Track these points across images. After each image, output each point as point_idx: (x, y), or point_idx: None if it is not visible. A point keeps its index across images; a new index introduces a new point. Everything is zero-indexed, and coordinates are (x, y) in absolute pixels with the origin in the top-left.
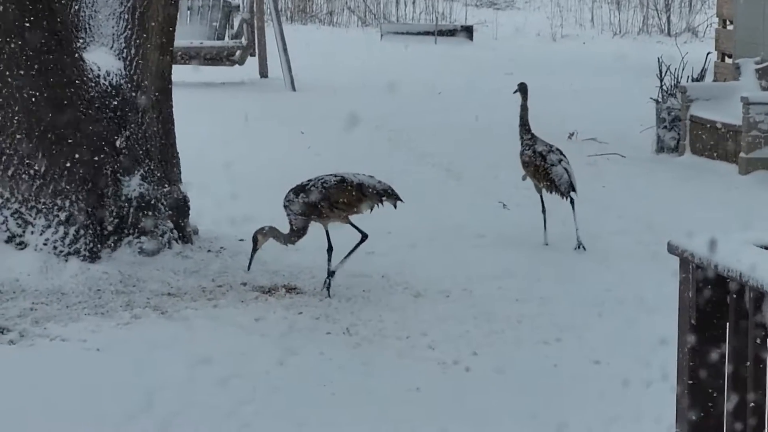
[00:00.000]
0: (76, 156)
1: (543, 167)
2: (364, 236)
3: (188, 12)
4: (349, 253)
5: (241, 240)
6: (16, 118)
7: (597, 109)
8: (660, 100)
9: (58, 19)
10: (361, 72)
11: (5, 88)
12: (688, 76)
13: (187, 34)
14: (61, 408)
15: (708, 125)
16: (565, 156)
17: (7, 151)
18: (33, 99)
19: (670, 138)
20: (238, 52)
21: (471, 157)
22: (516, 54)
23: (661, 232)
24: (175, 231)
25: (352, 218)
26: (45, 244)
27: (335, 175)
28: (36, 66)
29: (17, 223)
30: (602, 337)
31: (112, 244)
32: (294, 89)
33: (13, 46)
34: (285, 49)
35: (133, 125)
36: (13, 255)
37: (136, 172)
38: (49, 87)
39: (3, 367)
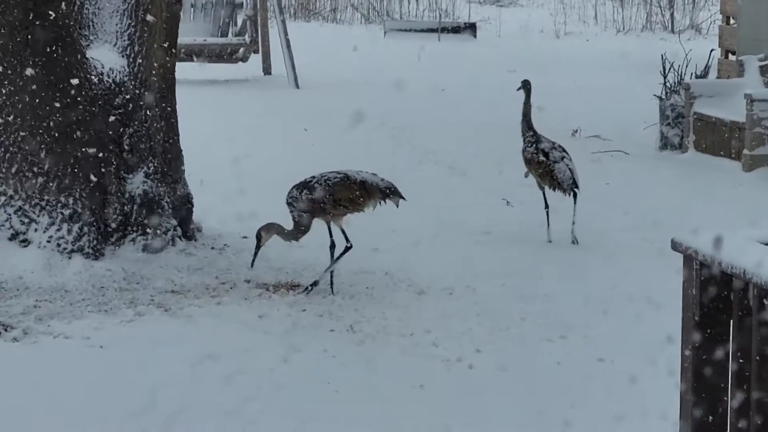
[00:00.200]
0: (80, 153)
1: (546, 164)
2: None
3: (192, 9)
4: (334, 262)
5: (245, 237)
6: (20, 115)
7: (600, 106)
8: (663, 97)
9: (62, 17)
10: (364, 69)
11: (9, 86)
12: (692, 73)
13: (190, 32)
14: (65, 405)
15: (712, 122)
16: (567, 153)
17: (11, 148)
18: (37, 97)
19: (673, 135)
20: (241, 50)
21: (474, 154)
22: (519, 51)
23: (665, 229)
24: (178, 228)
25: (352, 218)
26: (49, 242)
27: (339, 173)
28: (40, 64)
29: (21, 221)
30: (607, 334)
31: (116, 242)
32: (297, 86)
33: (17, 43)
34: (288, 46)
35: (136, 123)
36: (17, 252)
37: (139, 169)
38: (52, 85)
39: (6, 365)
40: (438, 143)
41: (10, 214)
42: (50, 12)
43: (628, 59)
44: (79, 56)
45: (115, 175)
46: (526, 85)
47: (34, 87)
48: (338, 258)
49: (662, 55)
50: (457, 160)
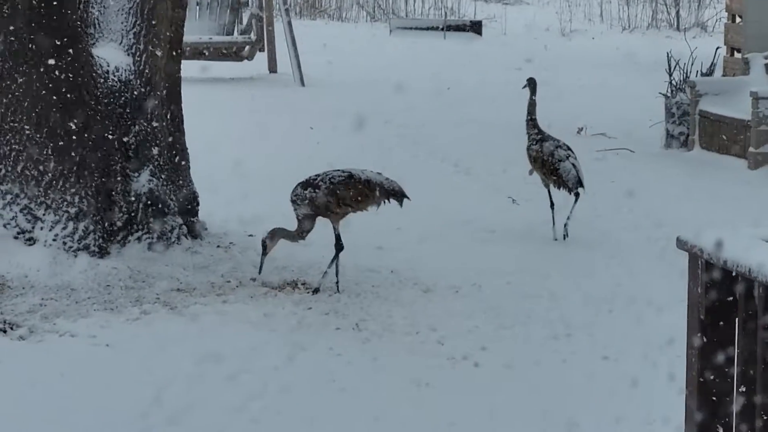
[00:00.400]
0: (86, 152)
1: (551, 163)
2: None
3: (197, 7)
4: (330, 266)
5: (251, 235)
6: (26, 114)
7: (606, 104)
8: (669, 95)
9: (68, 15)
10: (370, 67)
11: (14, 84)
12: (697, 71)
13: (196, 30)
14: (71, 403)
15: (717, 120)
16: (572, 151)
17: (17, 147)
18: (42, 95)
19: (679, 133)
20: (247, 48)
21: (480, 152)
22: (525, 49)
23: (671, 227)
24: (184, 227)
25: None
26: (54, 240)
27: (343, 171)
28: (45, 62)
29: (27, 219)
30: (612, 333)
31: (122, 240)
32: (303, 85)
33: (22, 41)
34: (294, 45)
35: (142, 121)
36: (23, 251)
37: (145, 168)
38: (58, 83)
39: (12, 363)
40: (443, 141)
41: (15, 213)
42: (56, 10)
43: (633, 57)
44: (84, 55)
45: (120, 174)
46: (531, 83)
47: (39, 85)
48: (333, 262)
49: (668, 53)
50: (462, 158)
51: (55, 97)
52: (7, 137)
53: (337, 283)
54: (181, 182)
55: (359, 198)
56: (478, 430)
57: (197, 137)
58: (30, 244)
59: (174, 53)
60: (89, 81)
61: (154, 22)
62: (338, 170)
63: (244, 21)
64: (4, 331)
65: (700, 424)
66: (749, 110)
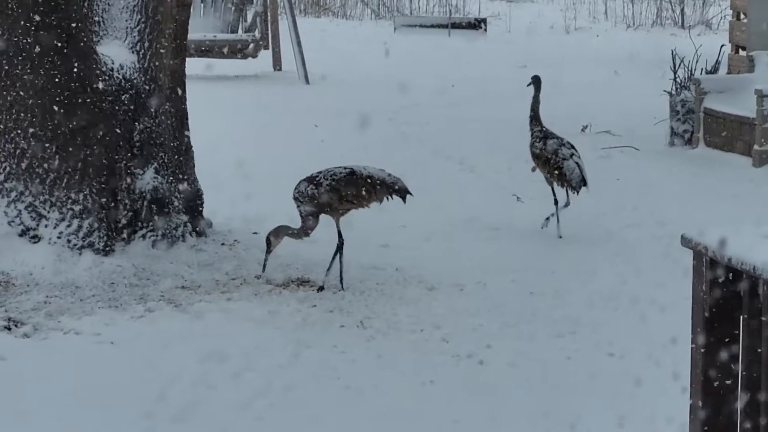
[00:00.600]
0: (90, 150)
1: (554, 161)
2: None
3: (202, 5)
4: (332, 263)
5: (255, 233)
6: (31, 112)
7: (610, 101)
8: (674, 92)
9: (72, 13)
10: (374, 65)
11: (19, 82)
12: (702, 69)
13: (200, 28)
14: (75, 401)
15: (722, 118)
16: (576, 150)
17: (21, 144)
18: (47, 93)
19: (683, 131)
20: (251, 45)
21: (485, 150)
22: (529, 47)
23: (675, 225)
24: (188, 224)
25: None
26: (59, 238)
27: (345, 168)
28: (50, 60)
29: (31, 217)
30: (617, 331)
31: (126, 238)
32: (308, 82)
33: (27, 39)
34: (298, 42)
35: (147, 118)
36: (27, 248)
37: (149, 165)
38: (62, 81)
39: (17, 361)
40: (448, 139)
41: (20, 210)
42: (60, 8)
43: (638, 55)
44: (89, 52)
45: (125, 171)
46: (536, 81)
47: (44, 83)
48: (337, 258)
49: (672, 51)
50: (467, 156)
51: (59, 95)
52: (12, 135)
53: (341, 280)
54: (185, 180)
55: (361, 194)
56: (483, 427)
57: (202, 135)
58: (34, 242)
59: (178, 51)
60: (94, 79)
61: (158, 20)
62: (340, 167)
63: (249, 19)
64: (9, 329)
65: (704, 422)
66: (754, 108)
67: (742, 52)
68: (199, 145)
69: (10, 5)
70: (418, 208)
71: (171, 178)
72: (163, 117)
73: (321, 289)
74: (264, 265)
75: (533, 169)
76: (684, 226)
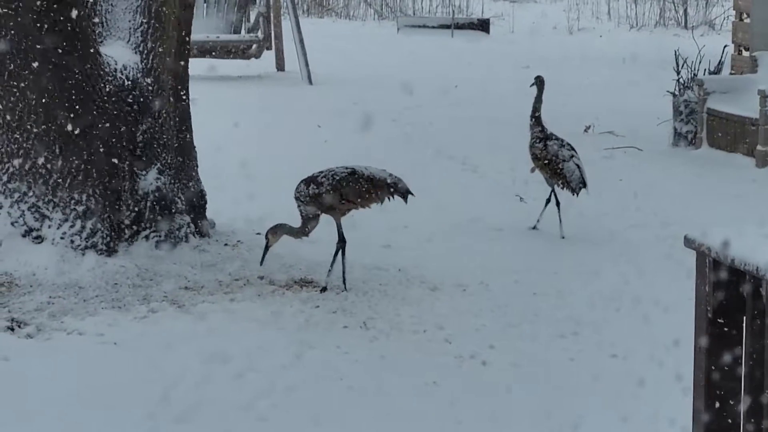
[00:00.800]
0: (93, 150)
1: (554, 163)
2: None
3: (205, 6)
4: (333, 263)
5: (258, 233)
6: (33, 112)
7: (613, 102)
8: (677, 93)
9: (75, 14)
10: (377, 65)
11: (22, 83)
12: (705, 69)
13: (203, 28)
14: (78, 402)
15: (725, 118)
16: (575, 151)
17: (25, 145)
18: (50, 93)
19: (686, 131)
20: (254, 46)
21: (487, 150)
22: (532, 47)
23: (678, 225)
24: (191, 225)
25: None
26: (62, 238)
27: (346, 168)
28: (53, 60)
29: (34, 217)
30: (620, 332)
31: (129, 239)
32: (311, 83)
33: (30, 40)
34: (302, 43)
35: (150, 119)
36: (30, 249)
37: (153, 166)
38: (65, 81)
39: (20, 361)
40: (451, 139)
41: (23, 211)
42: (63, 9)
43: (641, 55)
44: (92, 53)
45: (128, 172)
46: (539, 82)
47: (47, 83)
48: (340, 258)
49: (675, 51)
50: (470, 156)
51: (62, 96)
52: (15, 135)
53: (344, 281)
54: (188, 180)
55: (362, 194)
56: (486, 428)
57: (205, 136)
58: (38, 243)
59: (181, 51)
60: (97, 79)
61: (161, 21)
62: (341, 167)
63: (252, 19)
64: (12, 329)
65: (707, 423)
66: (757, 108)
67: (745, 53)
68: (203, 146)
69: (13, 6)
70: (421, 208)
71: (174, 178)
72: (166, 118)
73: (324, 289)
74: (262, 259)
75: (532, 170)
76: (687, 226)
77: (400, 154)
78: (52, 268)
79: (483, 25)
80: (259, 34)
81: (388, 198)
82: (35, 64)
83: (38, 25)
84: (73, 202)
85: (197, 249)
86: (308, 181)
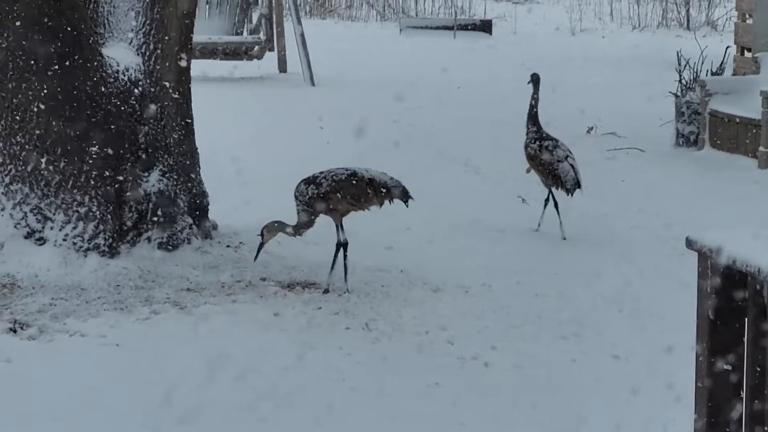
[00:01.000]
0: (96, 152)
1: (549, 163)
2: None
3: (207, 7)
4: (333, 264)
5: (260, 235)
6: (35, 114)
7: (616, 103)
8: (679, 94)
9: (78, 15)
10: (379, 67)
11: (24, 84)
12: (708, 70)
13: (205, 29)
14: (81, 403)
15: (727, 119)
16: (570, 152)
17: (27, 147)
18: (52, 95)
19: (689, 132)
20: (256, 47)
21: (490, 151)
22: (535, 48)
23: (681, 226)
24: (194, 227)
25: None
26: (64, 240)
27: (346, 169)
28: (55, 62)
29: (36, 219)
30: (622, 333)
31: (131, 240)
32: (313, 84)
33: (32, 41)
34: (304, 44)
35: (152, 121)
36: (33, 250)
37: (155, 168)
38: (67, 83)
39: (22, 363)
40: (453, 141)
41: (26, 213)
42: (65, 10)
43: (643, 56)
44: (94, 54)
45: (130, 174)
46: (535, 80)
47: (49, 85)
48: (341, 260)
49: (678, 52)
50: (472, 157)
51: (64, 98)
52: (17, 137)
53: (345, 280)
54: (190, 182)
55: (361, 196)
56: (488, 429)
57: (207, 137)
58: (40, 244)
59: (183, 53)
60: (99, 81)
61: (163, 22)
62: (342, 168)
63: (254, 20)
64: (15, 331)
65: (708, 427)
66: (759, 109)
67: (747, 54)
68: (205, 148)
69: (15, 8)
70: (423, 209)
71: (176, 180)
72: (168, 119)
73: (326, 291)
74: (256, 255)
75: (528, 170)
76: (689, 227)
77: (402, 155)
78: (55, 270)
79: (485, 26)
80: (261, 36)
81: (389, 201)
82: (37, 66)
83: (40, 26)
84: (75, 204)
85: (199, 251)
86: (308, 181)
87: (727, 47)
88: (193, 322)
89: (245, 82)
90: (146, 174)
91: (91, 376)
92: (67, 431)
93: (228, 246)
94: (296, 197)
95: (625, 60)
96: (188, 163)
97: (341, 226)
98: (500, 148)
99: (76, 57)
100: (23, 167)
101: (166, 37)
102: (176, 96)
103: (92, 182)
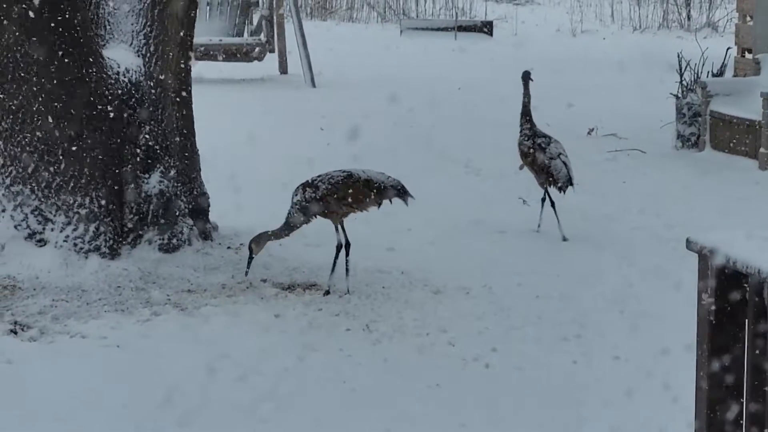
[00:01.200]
0: (96, 154)
1: (541, 160)
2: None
3: (207, 8)
4: (334, 266)
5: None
6: (37, 115)
7: (617, 104)
8: (680, 95)
9: (78, 17)
10: (380, 68)
11: (25, 86)
12: (708, 72)
13: (206, 31)
14: (82, 404)
15: (728, 121)
16: (564, 149)
17: (28, 148)
18: (53, 97)
19: (690, 133)
20: (257, 49)
21: (491, 153)
22: (536, 50)
23: (681, 228)
24: (194, 228)
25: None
26: (65, 241)
27: (343, 171)
28: (56, 64)
29: (37, 220)
30: (623, 334)
31: (132, 242)
32: (314, 86)
33: (32, 43)
34: (305, 46)
35: (153, 122)
36: (34, 252)
37: (156, 169)
38: (69, 85)
39: (23, 364)
40: (454, 142)
41: (26, 214)
42: (66, 12)
43: (644, 57)
44: (95, 56)
45: (131, 175)
46: (524, 77)
47: (50, 87)
48: (342, 261)
49: (678, 54)
50: (472, 158)
51: (65, 99)
52: (18, 138)
53: (347, 279)
54: (191, 183)
55: (359, 197)
56: (489, 431)
57: (207, 138)
58: (41, 246)
59: (184, 54)
60: (99, 83)
61: (164, 24)
62: (338, 170)
63: (255, 22)
64: (15, 333)
65: (707, 427)
66: (760, 111)
67: (748, 55)
68: (205, 149)
69: (16, 9)
70: (424, 211)
71: (177, 182)
72: (169, 121)
73: (327, 292)
74: (246, 270)
75: (521, 167)
76: (690, 229)
77: (402, 156)
78: (55, 272)
79: (486, 28)
80: (262, 37)
81: (389, 201)
82: (38, 68)
83: (40, 28)
84: (76, 205)
85: (200, 252)
86: (305, 185)
87: (728, 48)
88: (193, 324)
89: (246, 84)
90: (147, 175)
91: (92, 377)
92: None
93: (228, 247)
94: (293, 203)
95: (625, 61)
96: (189, 164)
97: (343, 227)
98: (501, 150)
99: (76, 59)
100: (24, 169)
101: (167, 39)
102: (177, 97)
103: (93, 184)
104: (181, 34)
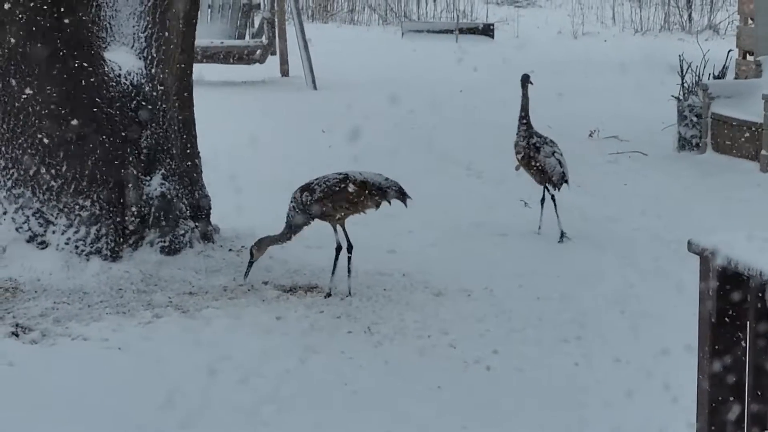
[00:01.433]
0: (98, 156)
1: (536, 159)
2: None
3: (209, 11)
4: (334, 269)
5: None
6: (38, 118)
7: (618, 106)
8: (681, 97)
9: (79, 19)
10: (382, 70)
11: (27, 88)
12: (710, 74)
13: (207, 33)
14: (83, 407)
15: (730, 123)
16: (558, 148)
17: (29, 151)
18: (54, 99)
19: (691, 136)
20: (258, 51)
21: (492, 155)
22: (537, 52)
23: (683, 229)
24: (196, 230)
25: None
26: (66, 244)
27: (339, 174)
28: (57, 66)
29: (39, 223)
30: (624, 336)
31: (134, 244)
32: (315, 88)
33: (34, 46)
34: (306, 48)
35: (154, 125)
36: (35, 254)
37: (157, 171)
38: (69, 87)
39: (25, 367)
40: (455, 144)
41: (28, 216)
42: (68, 15)
43: (645, 60)
44: (96, 58)
45: (132, 178)
46: (523, 80)
47: (51, 89)
48: (344, 263)
49: (680, 56)
50: (474, 161)
51: (66, 102)
52: (20, 141)
53: (348, 281)
54: (193, 186)
55: (356, 199)
56: None
57: (209, 140)
58: (42, 248)
59: (186, 57)
60: (101, 85)
61: (165, 26)
62: (334, 173)
63: (256, 24)
64: (17, 335)
65: (708, 428)
66: (761, 113)
67: (749, 57)
68: (207, 151)
69: (17, 11)
70: (425, 213)
71: (178, 184)
72: (170, 123)
73: (328, 295)
74: (246, 274)
75: (517, 168)
76: (691, 230)
77: (403, 158)
78: (57, 274)
79: (487, 30)
80: (264, 40)
81: (388, 202)
82: (39, 70)
83: (41, 30)
84: (77, 207)
85: (201, 254)
86: (303, 188)
87: (729, 51)
88: (195, 326)
89: (247, 86)
90: (148, 178)
91: (93, 379)
92: None
93: (230, 250)
94: (292, 206)
95: (627, 63)
96: (190, 166)
97: (344, 230)
98: (502, 152)
99: (77, 61)
100: (25, 171)
101: (169, 41)
102: (178, 100)
103: (94, 186)
104: (183, 36)
